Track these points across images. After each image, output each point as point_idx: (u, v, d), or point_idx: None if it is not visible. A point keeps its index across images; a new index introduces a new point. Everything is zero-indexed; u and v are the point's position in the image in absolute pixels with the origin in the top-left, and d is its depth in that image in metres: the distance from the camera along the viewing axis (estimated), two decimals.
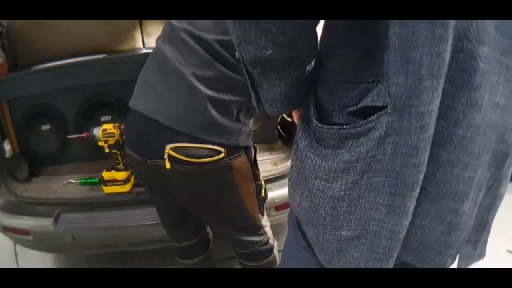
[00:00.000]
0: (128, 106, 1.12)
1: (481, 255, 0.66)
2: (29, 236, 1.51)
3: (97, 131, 1.52)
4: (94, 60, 1.72)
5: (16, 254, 1.71)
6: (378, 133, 0.51)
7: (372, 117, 0.51)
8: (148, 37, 1.99)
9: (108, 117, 1.77)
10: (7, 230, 1.53)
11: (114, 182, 1.57)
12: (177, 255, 1.45)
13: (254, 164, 1.18)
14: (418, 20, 0.44)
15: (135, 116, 1.09)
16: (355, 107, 0.54)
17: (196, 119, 1.01)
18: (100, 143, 1.54)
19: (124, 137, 1.55)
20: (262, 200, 1.26)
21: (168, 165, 1.03)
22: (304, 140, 0.64)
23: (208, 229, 1.45)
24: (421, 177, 0.50)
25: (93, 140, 1.55)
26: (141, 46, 1.98)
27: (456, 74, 0.47)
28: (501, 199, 0.61)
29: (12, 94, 1.68)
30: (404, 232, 0.55)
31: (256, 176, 1.20)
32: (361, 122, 0.53)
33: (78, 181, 1.68)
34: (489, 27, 0.47)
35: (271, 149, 1.83)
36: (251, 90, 0.63)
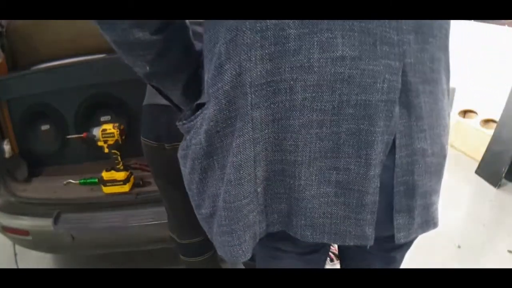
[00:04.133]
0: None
1: (428, 224, 0.64)
2: (29, 236, 1.50)
3: (97, 131, 1.52)
4: (94, 60, 1.72)
5: (15, 255, 1.71)
6: (198, 124, 0.60)
7: (198, 112, 0.61)
8: None
9: (108, 117, 1.77)
10: (7, 230, 1.53)
11: (113, 182, 1.57)
12: (182, 253, 1.44)
13: None
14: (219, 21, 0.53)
15: (152, 109, 1.12)
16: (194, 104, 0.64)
17: None
18: (100, 143, 1.54)
19: (123, 137, 1.55)
20: None
21: None
22: None
23: None
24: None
25: (93, 140, 1.55)
26: None
27: (270, 50, 0.51)
28: (425, 156, 0.59)
29: (11, 94, 1.68)
30: (243, 204, 0.58)
31: None
32: (192, 117, 0.62)
33: (77, 181, 1.68)
34: None
35: None
36: (164, 98, 0.74)
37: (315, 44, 0.50)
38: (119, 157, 1.58)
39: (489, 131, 2.46)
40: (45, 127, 1.78)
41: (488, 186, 2.36)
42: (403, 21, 0.52)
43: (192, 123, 0.61)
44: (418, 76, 0.55)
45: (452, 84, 0.66)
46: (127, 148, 1.61)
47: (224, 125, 0.56)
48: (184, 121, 0.64)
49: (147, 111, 1.16)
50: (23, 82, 1.67)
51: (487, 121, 2.63)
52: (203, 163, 0.61)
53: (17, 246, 1.68)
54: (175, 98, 0.72)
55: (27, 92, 1.68)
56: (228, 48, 0.52)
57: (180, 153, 0.66)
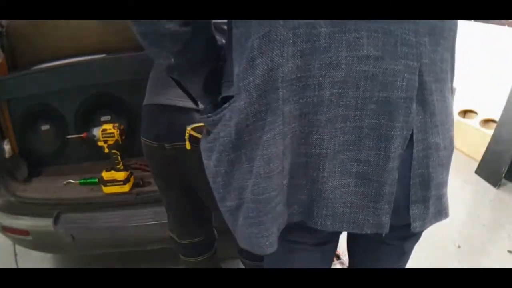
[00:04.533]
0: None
1: (441, 213, 0.67)
2: (29, 237, 1.50)
3: (97, 131, 1.52)
4: (94, 60, 1.72)
5: (15, 255, 1.71)
6: (227, 116, 0.60)
7: (225, 105, 0.60)
8: None
9: (108, 117, 1.77)
10: (7, 230, 1.53)
11: (113, 182, 1.57)
12: (182, 253, 1.44)
13: None
14: (250, 21, 0.54)
15: (152, 109, 1.13)
16: (220, 97, 0.64)
17: None
18: (100, 143, 1.54)
19: (123, 137, 1.55)
20: None
21: (188, 146, 1.07)
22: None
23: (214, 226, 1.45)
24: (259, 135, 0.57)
25: (93, 140, 1.55)
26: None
27: (302, 47, 0.52)
28: (438, 149, 0.62)
29: (11, 94, 1.68)
30: (271, 196, 0.59)
31: None
32: (218, 110, 0.62)
33: (77, 181, 1.68)
34: None
35: None
36: (182, 91, 0.74)
37: (343, 43, 0.52)
38: (119, 157, 1.57)
39: (489, 131, 2.46)
40: (45, 127, 1.78)
41: (488, 186, 2.36)
42: (420, 24, 0.55)
43: (219, 115, 0.61)
44: (432, 76, 0.58)
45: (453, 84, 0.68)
46: (127, 148, 1.61)
47: (254, 119, 0.57)
48: (209, 114, 0.63)
49: (147, 111, 1.16)
50: (23, 82, 1.67)
51: (487, 121, 2.64)
52: (230, 156, 0.61)
53: (17, 246, 1.68)
54: (194, 91, 0.72)
55: (27, 92, 1.68)
56: (261, 43, 0.53)
57: (205, 146, 0.66)
